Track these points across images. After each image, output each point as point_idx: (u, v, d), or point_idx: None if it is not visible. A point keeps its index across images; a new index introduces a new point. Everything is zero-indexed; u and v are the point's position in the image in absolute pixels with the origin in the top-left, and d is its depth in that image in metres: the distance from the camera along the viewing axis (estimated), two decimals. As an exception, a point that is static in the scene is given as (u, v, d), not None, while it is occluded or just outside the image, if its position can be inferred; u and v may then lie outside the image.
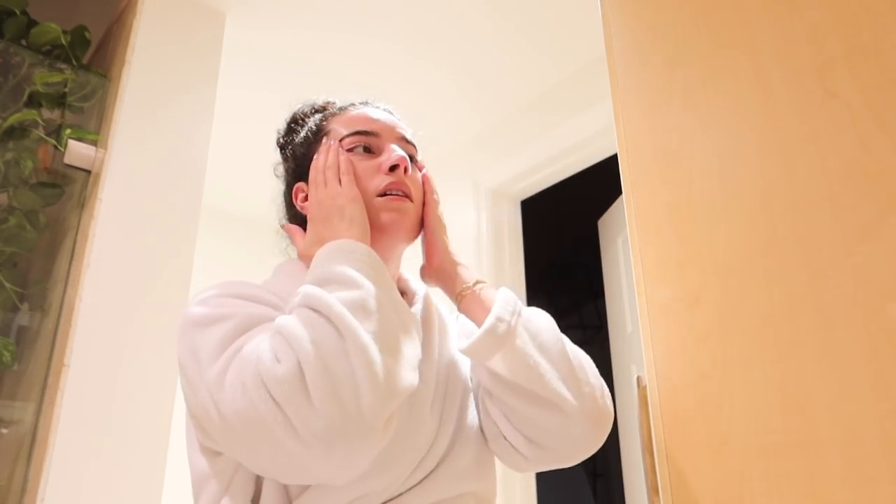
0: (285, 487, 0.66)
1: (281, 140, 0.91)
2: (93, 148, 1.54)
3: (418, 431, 0.71)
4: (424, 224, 0.84)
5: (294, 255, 0.86)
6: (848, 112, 0.68)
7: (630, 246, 0.89)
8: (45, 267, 1.56)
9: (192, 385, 0.64)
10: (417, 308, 0.82)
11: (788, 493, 0.65)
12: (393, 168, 0.79)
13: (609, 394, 0.78)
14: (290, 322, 0.60)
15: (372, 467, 0.64)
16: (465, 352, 0.74)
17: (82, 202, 1.53)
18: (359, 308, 0.61)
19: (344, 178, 0.77)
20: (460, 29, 2.02)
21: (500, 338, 0.72)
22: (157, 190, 1.56)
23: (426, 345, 0.79)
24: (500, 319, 0.73)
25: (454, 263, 0.82)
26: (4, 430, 1.41)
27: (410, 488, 0.70)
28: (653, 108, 0.90)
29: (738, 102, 0.79)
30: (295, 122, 0.90)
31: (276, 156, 0.92)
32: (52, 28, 1.55)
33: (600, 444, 0.75)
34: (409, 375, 0.62)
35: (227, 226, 2.83)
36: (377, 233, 0.77)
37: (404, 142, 0.84)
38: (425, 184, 0.85)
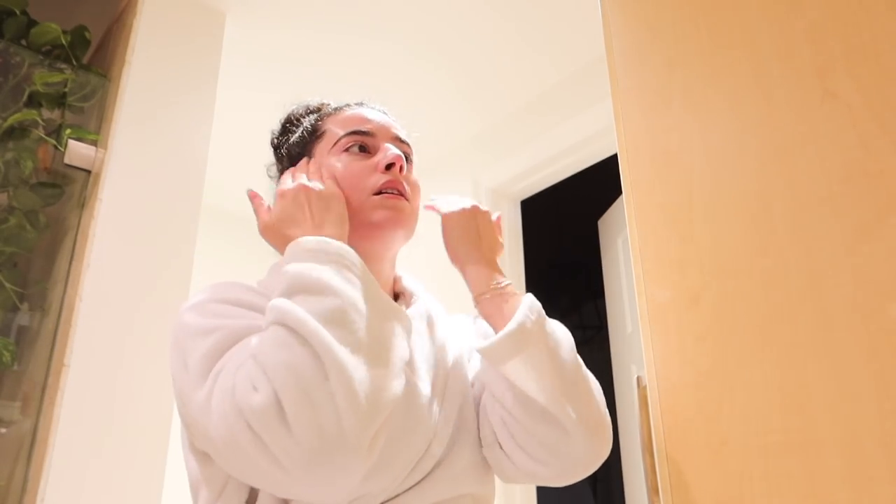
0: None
1: (275, 140, 0.91)
2: (93, 148, 1.54)
3: (415, 431, 0.71)
4: (444, 225, 0.85)
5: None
6: (848, 112, 0.68)
7: (630, 246, 0.89)
8: (45, 267, 1.56)
9: (184, 397, 0.63)
10: (415, 309, 0.81)
11: (788, 493, 0.65)
12: (389, 167, 0.79)
13: (610, 421, 0.77)
14: (265, 345, 0.59)
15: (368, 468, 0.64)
16: (482, 352, 0.73)
17: (82, 202, 1.53)
18: (334, 319, 0.59)
19: (328, 182, 0.76)
20: (460, 29, 2.02)
21: (521, 343, 0.71)
22: (157, 190, 1.56)
23: (425, 344, 0.78)
24: (522, 325, 0.72)
25: (478, 263, 0.81)
26: (4, 430, 1.41)
27: (408, 489, 0.70)
28: (653, 108, 0.90)
29: (737, 102, 0.79)
30: (289, 123, 0.90)
31: (271, 156, 0.92)
32: (52, 28, 1.55)
33: (594, 470, 0.74)
34: (392, 385, 0.60)
35: (227, 226, 2.82)
36: (373, 231, 0.77)
37: (399, 142, 0.84)
38: (429, 207, 0.87)
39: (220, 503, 0.66)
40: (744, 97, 0.79)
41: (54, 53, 1.59)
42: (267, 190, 0.92)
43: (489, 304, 0.77)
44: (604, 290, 2.32)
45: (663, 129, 0.87)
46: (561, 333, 0.77)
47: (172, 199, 1.57)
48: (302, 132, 0.86)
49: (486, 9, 1.94)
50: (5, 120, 1.46)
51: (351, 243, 0.71)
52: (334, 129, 0.83)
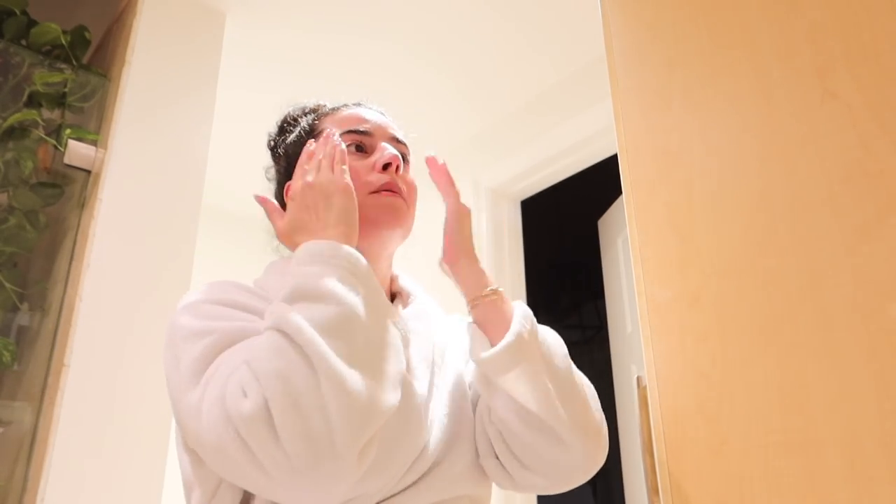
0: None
1: (272, 141, 0.91)
2: (93, 148, 1.54)
3: (411, 432, 0.70)
4: (449, 214, 0.82)
5: (285, 252, 0.84)
6: (848, 112, 0.68)
7: (630, 246, 0.89)
8: (45, 267, 1.56)
9: (176, 398, 0.63)
10: (412, 310, 0.81)
11: (788, 493, 0.65)
12: (386, 167, 0.79)
13: (606, 426, 0.76)
14: (258, 351, 0.58)
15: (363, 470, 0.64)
16: (480, 363, 0.72)
17: (82, 202, 1.53)
18: (333, 328, 0.59)
19: (337, 168, 0.73)
20: (460, 29, 2.02)
21: (519, 355, 0.71)
22: (157, 190, 1.56)
23: (421, 346, 0.78)
24: (520, 336, 0.72)
25: (472, 265, 0.80)
26: (3, 430, 1.41)
27: (404, 490, 0.69)
28: (653, 109, 0.90)
29: (737, 102, 0.79)
30: (286, 124, 0.90)
31: (269, 158, 0.92)
32: (52, 28, 1.55)
33: (589, 477, 0.74)
34: (388, 396, 0.60)
35: (227, 226, 2.82)
36: (369, 228, 0.76)
37: (396, 142, 0.84)
38: (444, 174, 0.82)
39: (215, 502, 0.66)
40: (744, 97, 0.79)
41: (54, 53, 1.59)
42: (266, 192, 0.92)
43: (486, 309, 0.77)
44: (604, 290, 2.32)
45: (663, 129, 0.87)
46: (553, 341, 0.77)
47: (172, 199, 1.57)
48: (299, 132, 0.86)
49: (486, 9, 1.94)
50: (5, 120, 1.46)
51: None
52: (331, 129, 0.83)
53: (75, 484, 1.27)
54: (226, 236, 2.78)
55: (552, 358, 0.74)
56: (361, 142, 0.81)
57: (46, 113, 1.55)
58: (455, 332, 0.86)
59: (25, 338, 1.47)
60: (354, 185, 0.76)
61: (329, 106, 0.89)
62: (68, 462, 1.27)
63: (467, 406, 0.80)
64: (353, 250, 0.66)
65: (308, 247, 0.66)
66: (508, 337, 0.72)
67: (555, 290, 3.81)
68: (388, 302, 0.68)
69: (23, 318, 1.48)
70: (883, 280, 0.63)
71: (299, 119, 0.88)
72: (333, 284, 0.62)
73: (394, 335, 0.65)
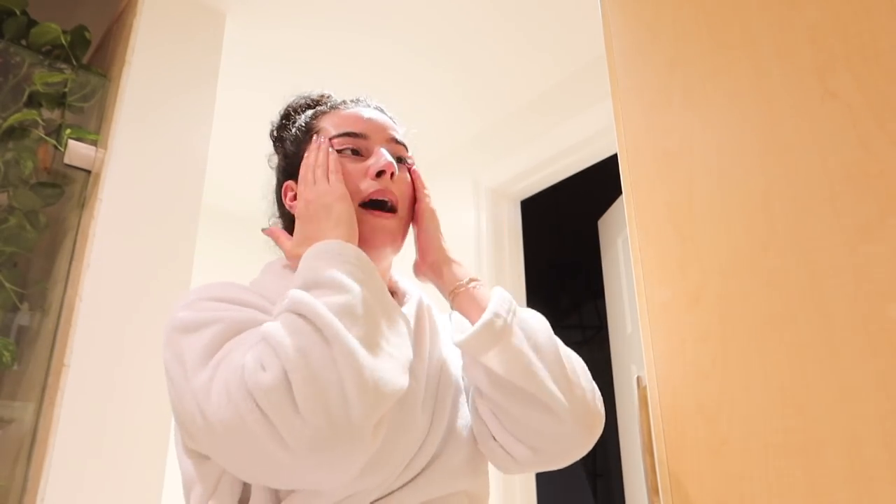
0: (274, 489, 0.66)
1: (275, 133, 0.91)
2: (93, 148, 1.54)
3: (408, 429, 0.71)
4: (416, 220, 0.84)
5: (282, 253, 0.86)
6: (848, 112, 0.68)
7: (630, 246, 0.89)
8: (45, 267, 1.56)
9: (178, 391, 0.63)
10: (409, 308, 0.82)
11: (788, 493, 0.65)
12: (380, 174, 0.79)
13: (601, 396, 0.77)
14: (276, 329, 0.60)
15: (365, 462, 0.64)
16: (460, 345, 0.74)
17: (82, 202, 1.53)
18: (347, 313, 0.61)
19: (332, 177, 0.76)
20: (461, 29, 2.02)
21: (497, 333, 0.72)
22: (157, 190, 1.56)
23: (417, 344, 0.78)
24: (497, 315, 0.73)
25: (448, 260, 0.82)
26: (3, 430, 1.41)
27: (402, 486, 0.70)
28: (653, 108, 0.90)
29: (738, 102, 0.79)
30: (287, 117, 0.89)
31: (271, 147, 0.92)
32: (52, 28, 1.55)
33: (590, 448, 0.75)
34: (398, 378, 0.61)
35: (227, 226, 2.83)
36: (361, 243, 0.76)
37: (394, 143, 0.83)
38: (415, 180, 0.85)
39: (214, 500, 0.66)
40: (744, 97, 0.79)
41: (54, 53, 1.60)
42: (265, 183, 0.92)
43: (464, 298, 0.78)
44: (604, 290, 2.32)
45: (663, 129, 0.87)
46: (535, 321, 0.77)
47: (172, 199, 1.57)
48: (296, 130, 0.86)
49: (487, 9, 1.94)
50: (5, 120, 1.46)
51: None
52: (327, 129, 0.82)
53: (75, 484, 1.27)
54: (226, 236, 2.78)
55: (535, 334, 0.75)
56: (357, 145, 0.81)
57: (46, 113, 1.55)
58: (449, 329, 0.86)
59: (25, 338, 1.47)
60: (349, 190, 0.77)
61: (329, 101, 0.88)
62: (68, 462, 1.28)
63: (462, 401, 0.80)
64: (358, 249, 0.69)
65: (316, 246, 0.68)
66: (485, 316, 0.73)
67: (555, 290, 3.81)
68: (392, 299, 0.69)
69: (23, 318, 1.48)
70: (883, 280, 0.63)
71: (299, 114, 0.88)
72: (341, 276, 0.64)
73: (401, 327, 0.67)
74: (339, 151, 0.80)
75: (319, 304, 0.60)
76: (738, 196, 0.77)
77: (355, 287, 0.64)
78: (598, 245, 2.39)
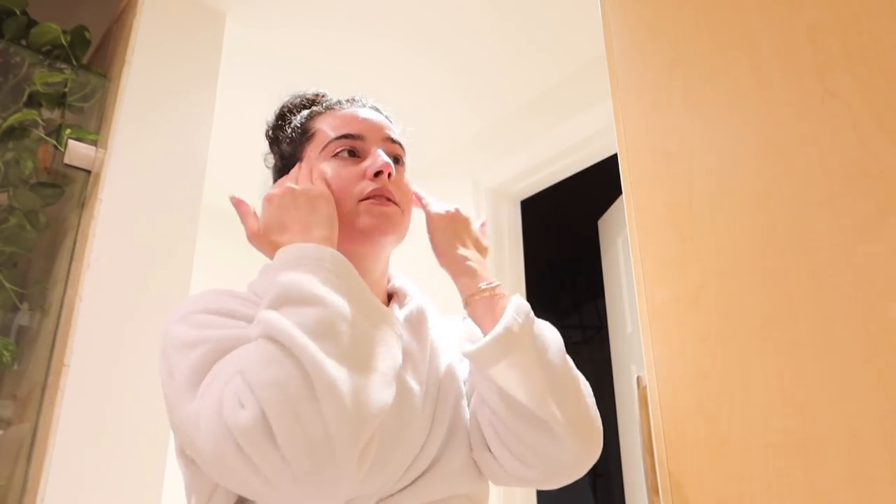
0: None
1: (270, 133, 0.90)
2: (93, 148, 1.54)
3: (409, 431, 0.71)
4: (427, 230, 0.84)
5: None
6: (848, 112, 0.68)
7: (630, 246, 0.89)
8: (45, 267, 1.56)
9: (173, 409, 0.63)
10: (409, 308, 0.81)
11: (788, 493, 0.65)
12: (377, 174, 0.78)
13: (601, 423, 0.76)
14: (252, 361, 0.58)
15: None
16: (468, 356, 0.72)
17: (82, 202, 1.53)
18: (323, 331, 0.59)
19: (316, 182, 0.76)
20: (461, 28, 2.02)
21: (507, 347, 0.71)
22: (157, 190, 1.56)
23: (418, 344, 0.78)
24: (508, 329, 0.71)
25: (460, 269, 0.80)
26: (3, 430, 1.41)
27: (403, 489, 0.70)
28: (653, 109, 0.90)
29: (737, 102, 0.79)
30: (283, 117, 0.89)
31: (267, 146, 0.91)
32: (52, 28, 1.55)
33: (583, 473, 0.74)
34: (382, 394, 0.60)
35: (227, 226, 2.82)
36: (361, 237, 0.76)
37: (390, 142, 0.82)
38: (416, 197, 0.85)
39: None
40: (744, 97, 0.79)
41: (54, 53, 1.59)
42: (262, 184, 0.91)
43: (478, 306, 0.77)
44: (604, 290, 2.32)
45: (663, 129, 0.87)
46: (549, 335, 0.76)
47: (172, 200, 1.57)
48: (292, 131, 0.85)
49: (487, 8, 1.94)
50: (5, 120, 1.46)
51: (341, 248, 0.71)
52: (324, 131, 0.82)
53: (75, 484, 1.27)
54: (226, 236, 2.77)
55: (546, 351, 0.73)
56: (354, 146, 0.80)
57: (46, 113, 1.55)
58: (451, 331, 0.86)
59: (25, 338, 1.47)
60: (344, 193, 0.77)
61: (326, 101, 0.87)
62: (68, 462, 1.27)
63: (463, 403, 0.80)
64: (336, 253, 0.67)
65: (292, 250, 0.66)
66: (497, 329, 0.72)
67: (555, 290, 3.81)
68: (378, 302, 0.67)
69: (23, 318, 1.48)
70: (883, 280, 0.63)
71: (294, 114, 0.88)
72: (318, 287, 0.62)
73: (385, 332, 0.65)
74: (335, 154, 0.80)
75: (292, 327, 0.58)
76: (737, 196, 0.77)
77: (332, 297, 0.62)
78: (598, 245, 2.39)
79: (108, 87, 1.64)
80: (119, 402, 1.36)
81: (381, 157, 0.79)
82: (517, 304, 0.75)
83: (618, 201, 2.22)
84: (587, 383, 0.77)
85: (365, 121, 0.82)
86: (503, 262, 2.37)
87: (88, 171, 1.54)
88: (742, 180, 0.77)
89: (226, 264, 2.39)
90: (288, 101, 0.89)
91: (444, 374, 0.79)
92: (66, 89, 1.57)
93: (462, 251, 0.82)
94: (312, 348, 0.57)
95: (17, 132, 1.48)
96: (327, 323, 0.60)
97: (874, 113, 0.66)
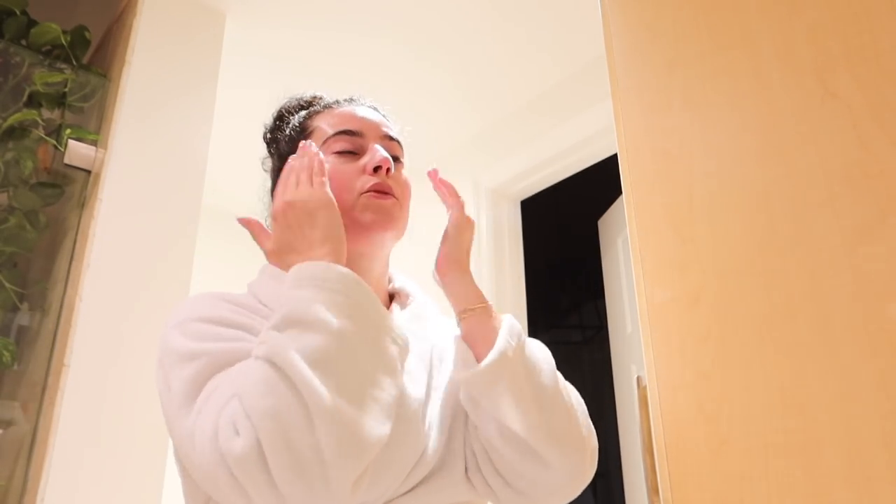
0: None
1: (268, 135, 0.90)
2: (93, 148, 1.54)
3: (409, 437, 0.70)
4: (449, 228, 0.81)
5: None
6: (848, 112, 0.68)
7: (630, 246, 0.89)
8: (45, 267, 1.56)
9: (169, 418, 0.64)
10: (410, 311, 0.80)
11: (788, 493, 0.65)
12: (376, 169, 0.78)
13: (595, 437, 0.74)
14: (250, 384, 0.57)
15: None
16: (462, 382, 0.71)
17: (82, 202, 1.53)
18: (324, 360, 0.58)
19: (316, 180, 0.72)
20: (460, 29, 2.02)
21: (500, 375, 0.69)
22: (157, 190, 1.56)
23: (419, 348, 0.77)
24: (503, 355, 0.70)
25: (465, 279, 0.79)
26: (3, 430, 1.41)
27: (403, 494, 0.69)
28: (652, 109, 0.90)
29: (737, 103, 0.79)
30: (280, 119, 0.89)
31: (265, 150, 0.91)
32: (52, 28, 1.55)
33: (578, 493, 0.73)
34: (380, 428, 0.59)
35: (227, 226, 2.82)
36: (361, 232, 0.76)
37: (388, 139, 0.82)
38: (447, 186, 0.83)
39: None
40: (744, 97, 0.79)
41: (54, 53, 1.60)
42: (261, 187, 0.91)
43: (471, 323, 0.76)
44: (604, 290, 2.32)
45: (663, 129, 0.88)
46: (540, 356, 0.75)
47: (172, 200, 1.57)
48: (291, 130, 0.85)
49: (486, 9, 1.94)
50: (5, 120, 1.46)
51: None
52: (322, 128, 0.82)
53: (75, 484, 1.27)
54: (226, 236, 2.77)
55: (538, 375, 0.72)
56: (353, 143, 0.80)
57: (46, 113, 1.55)
58: (452, 332, 0.85)
59: (25, 338, 1.47)
60: (344, 189, 0.76)
61: (323, 101, 0.87)
62: (68, 462, 1.28)
63: (463, 409, 0.79)
64: (345, 270, 0.65)
65: (300, 269, 0.65)
66: (491, 355, 0.70)
67: (555, 291, 3.81)
68: (385, 314, 0.66)
69: (23, 318, 1.48)
70: (883, 280, 0.63)
71: (292, 115, 0.87)
72: (324, 311, 0.61)
73: (390, 357, 0.64)
74: (334, 151, 0.79)
75: (293, 354, 0.57)
76: (737, 196, 0.77)
77: (337, 323, 0.60)
78: (598, 245, 2.39)
79: (108, 87, 1.64)
80: (119, 402, 1.36)
81: (379, 152, 0.78)
82: (510, 325, 0.74)
83: (618, 201, 2.22)
84: (580, 399, 0.76)
85: (363, 118, 0.82)
86: (503, 262, 2.37)
87: (88, 171, 1.54)
88: (742, 181, 0.77)
89: (226, 264, 2.39)
90: (285, 103, 0.90)
91: (445, 378, 0.78)
92: (66, 89, 1.57)
93: (468, 262, 0.80)
94: (311, 378, 0.56)
95: (17, 132, 1.48)
96: (330, 351, 0.59)
97: (874, 113, 0.66)
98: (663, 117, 0.88)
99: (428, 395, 0.75)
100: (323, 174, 0.73)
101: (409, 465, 0.69)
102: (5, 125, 1.45)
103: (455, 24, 2.00)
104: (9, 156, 1.46)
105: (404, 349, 0.67)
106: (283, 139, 0.86)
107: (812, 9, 0.74)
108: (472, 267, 0.81)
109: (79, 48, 1.61)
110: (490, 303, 0.78)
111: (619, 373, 2.17)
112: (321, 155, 0.76)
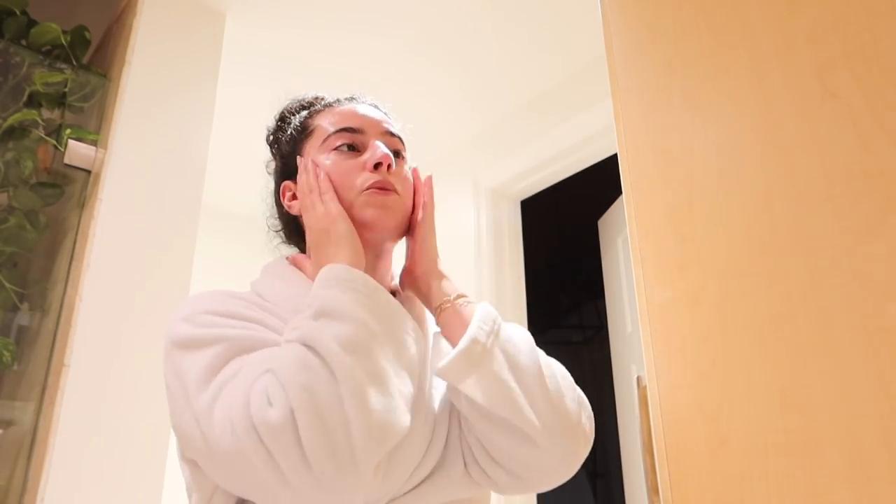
0: None
1: (270, 137, 0.90)
2: (93, 148, 1.54)
3: (413, 434, 0.70)
4: (413, 226, 0.82)
5: (284, 251, 0.87)
6: (848, 112, 0.68)
7: (630, 246, 0.89)
8: (45, 267, 1.56)
9: (178, 409, 0.63)
10: (411, 309, 0.81)
11: (788, 493, 0.65)
12: (377, 166, 0.78)
13: (588, 408, 0.74)
14: (285, 361, 0.59)
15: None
16: (439, 373, 0.71)
17: (82, 202, 1.53)
18: (356, 346, 0.61)
19: (325, 198, 0.76)
20: (461, 28, 2.02)
21: (475, 361, 0.69)
22: (157, 190, 1.56)
23: (421, 345, 0.77)
24: (475, 341, 0.70)
25: (438, 274, 0.79)
26: (3, 430, 1.41)
27: (407, 492, 0.69)
28: (653, 108, 0.90)
29: (738, 102, 0.79)
30: (282, 120, 0.89)
31: (268, 153, 0.92)
32: (52, 28, 1.55)
33: (575, 471, 0.73)
34: (403, 418, 0.61)
35: (227, 225, 2.83)
36: (362, 229, 0.76)
37: (389, 136, 0.82)
38: (426, 186, 0.83)
39: None
40: (744, 97, 0.79)
41: (54, 53, 1.60)
42: (264, 186, 0.92)
43: (449, 315, 0.76)
44: (604, 290, 2.32)
45: (663, 129, 0.87)
46: (518, 338, 0.74)
47: (172, 199, 1.57)
48: (292, 130, 0.85)
49: (487, 8, 1.94)
50: (5, 120, 1.46)
51: None
52: (323, 126, 0.82)
53: (75, 484, 1.27)
54: (226, 236, 2.78)
55: (517, 356, 0.72)
56: (353, 140, 0.80)
57: (46, 113, 1.55)
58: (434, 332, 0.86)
59: (25, 338, 1.47)
60: (345, 187, 0.77)
61: (324, 101, 0.88)
62: (68, 462, 1.28)
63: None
64: (362, 273, 0.69)
65: (325, 272, 0.69)
66: (462, 343, 0.70)
67: (555, 291, 3.81)
68: (405, 314, 0.68)
69: (23, 318, 1.48)
70: (883, 280, 0.63)
71: (294, 115, 0.88)
72: (351, 305, 0.64)
73: (411, 354, 0.66)
74: (335, 148, 0.80)
75: (328, 337, 0.60)
76: (737, 196, 0.77)
77: (364, 316, 0.63)
78: (598, 245, 2.39)
79: (108, 86, 1.64)
80: (119, 402, 1.36)
81: (380, 148, 0.79)
82: (483, 312, 0.74)
83: (618, 201, 2.22)
84: (565, 373, 0.75)
85: (364, 115, 0.83)
86: (503, 262, 2.37)
87: (88, 171, 1.54)
88: (742, 180, 0.77)
89: (226, 264, 2.39)
90: (287, 105, 0.90)
91: (439, 378, 0.79)
92: (66, 89, 1.57)
93: (438, 265, 0.82)
94: (345, 359, 0.59)
95: (17, 132, 1.48)
96: (360, 339, 0.62)
97: (874, 113, 0.66)
98: (663, 117, 0.88)
99: (429, 392, 0.76)
100: (329, 190, 0.77)
101: (413, 463, 0.70)
102: (5, 125, 1.45)
103: (455, 23, 2.00)
104: (9, 156, 1.46)
105: (423, 349, 0.69)
106: (284, 139, 0.86)
107: (812, 8, 0.74)
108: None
109: (79, 48, 1.61)
110: (464, 293, 0.78)
111: (619, 373, 2.17)
112: (321, 160, 0.79)
